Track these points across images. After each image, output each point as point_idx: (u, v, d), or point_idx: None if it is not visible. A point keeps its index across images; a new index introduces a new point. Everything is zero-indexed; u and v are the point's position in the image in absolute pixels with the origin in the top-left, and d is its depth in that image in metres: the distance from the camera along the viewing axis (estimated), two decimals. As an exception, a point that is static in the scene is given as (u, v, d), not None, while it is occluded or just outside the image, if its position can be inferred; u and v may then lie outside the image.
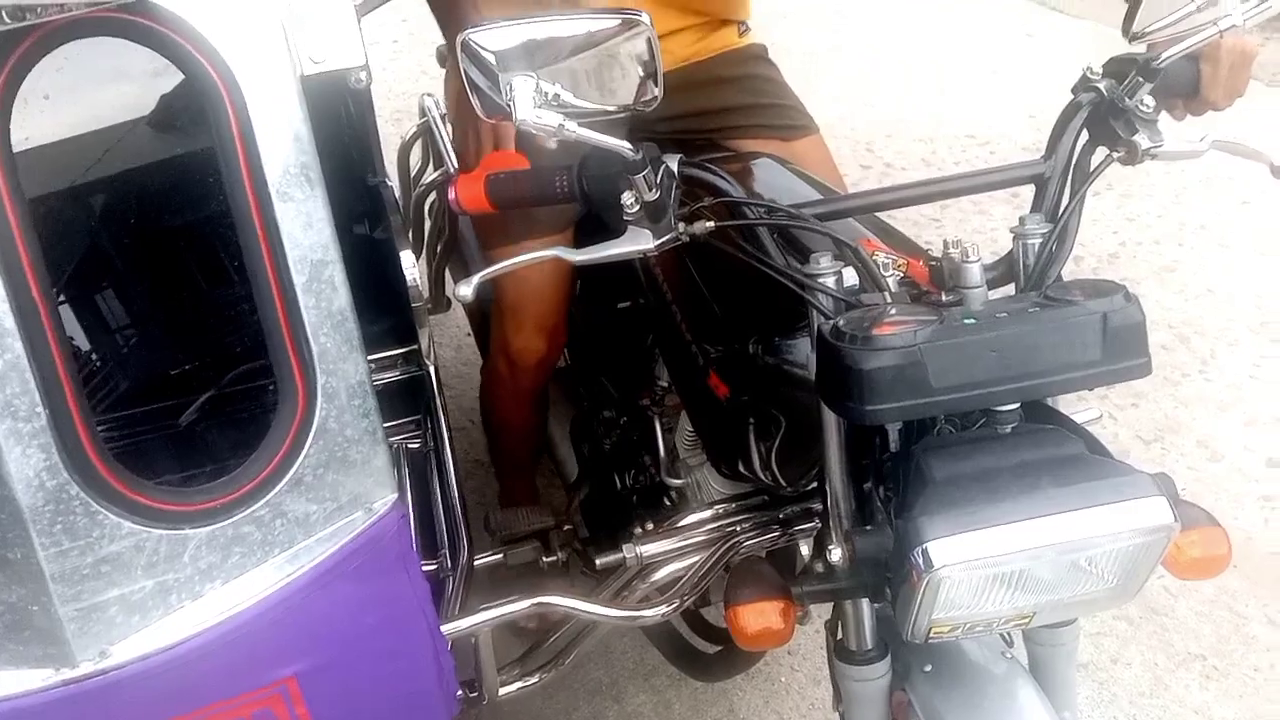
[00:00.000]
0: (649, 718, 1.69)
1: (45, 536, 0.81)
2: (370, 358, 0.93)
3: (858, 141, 3.30)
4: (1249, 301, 2.59)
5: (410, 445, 1.42)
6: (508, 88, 0.85)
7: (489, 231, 1.47)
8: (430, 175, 1.93)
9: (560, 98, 0.86)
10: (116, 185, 1.50)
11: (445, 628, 1.05)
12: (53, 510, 0.81)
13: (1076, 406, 0.97)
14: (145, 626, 0.86)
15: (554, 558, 1.46)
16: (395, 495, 0.95)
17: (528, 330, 1.50)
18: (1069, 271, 0.98)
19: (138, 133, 1.49)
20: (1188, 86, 1.00)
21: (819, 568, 0.98)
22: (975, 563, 0.79)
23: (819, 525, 1.22)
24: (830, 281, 0.94)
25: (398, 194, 1.79)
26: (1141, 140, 0.96)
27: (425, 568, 1.12)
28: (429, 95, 1.88)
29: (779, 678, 1.74)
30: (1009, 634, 1.01)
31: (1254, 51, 0.97)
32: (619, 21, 0.87)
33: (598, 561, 1.25)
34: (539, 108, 0.85)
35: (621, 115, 0.93)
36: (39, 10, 0.74)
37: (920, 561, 0.79)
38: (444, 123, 1.83)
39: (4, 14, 0.73)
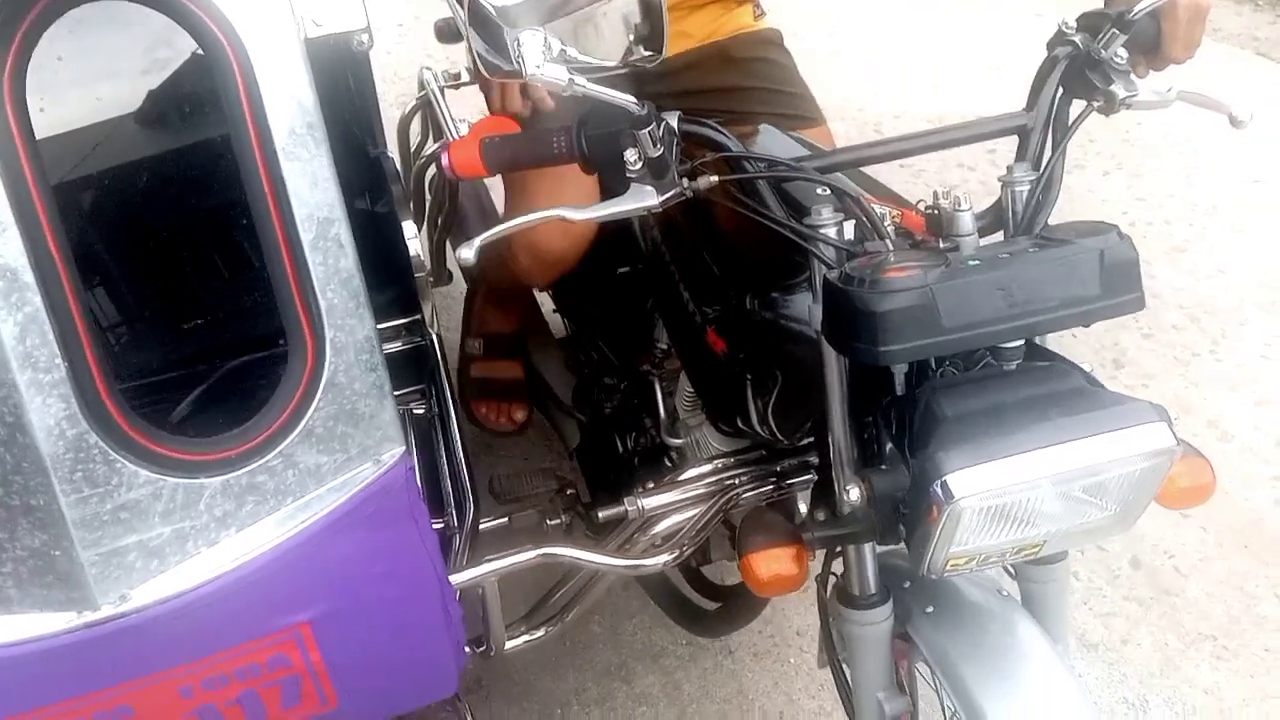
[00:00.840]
0: (658, 698, 1.68)
1: (66, 484, 0.83)
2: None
3: (865, 123, 3.29)
4: (1260, 281, 2.55)
5: (416, 411, 1.44)
6: (515, 43, 0.86)
7: (512, 188, 1.47)
8: (430, 148, 1.93)
9: (567, 53, 0.87)
10: (107, 179, 1.50)
11: (453, 578, 1.07)
12: (73, 458, 0.83)
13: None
14: (164, 571, 0.88)
15: (558, 520, 1.48)
16: (403, 448, 0.97)
17: (559, 234, 1.41)
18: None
19: (125, 128, 1.51)
20: (1149, 43, 1.03)
21: (820, 515, 1.00)
22: (993, 492, 0.81)
23: (815, 477, 1.24)
24: (831, 233, 0.96)
25: (398, 167, 1.80)
26: (1118, 90, 0.99)
27: (433, 525, 1.14)
28: (428, 69, 1.88)
29: (788, 659, 1.72)
30: (1013, 568, 1.04)
31: (1207, 5, 1.01)
32: None
33: (600, 515, 1.27)
34: (547, 62, 0.85)
35: (623, 72, 0.93)
36: (51, -29, 0.76)
37: (941, 494, 0.81)
38: (443, 95, 1.83)
39: (18, -27, 0.74)
